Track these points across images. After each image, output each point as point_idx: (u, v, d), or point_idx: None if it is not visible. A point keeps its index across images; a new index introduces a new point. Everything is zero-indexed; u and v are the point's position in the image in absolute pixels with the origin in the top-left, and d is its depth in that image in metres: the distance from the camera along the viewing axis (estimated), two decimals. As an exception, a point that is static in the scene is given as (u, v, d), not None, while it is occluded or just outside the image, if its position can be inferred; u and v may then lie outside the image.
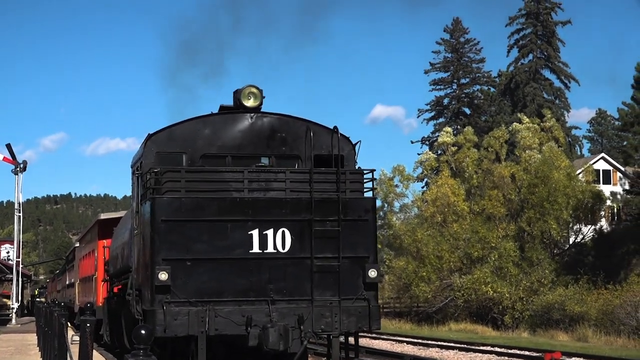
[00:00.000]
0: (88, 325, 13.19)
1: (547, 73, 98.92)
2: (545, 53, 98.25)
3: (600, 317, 43.26)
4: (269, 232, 16.79)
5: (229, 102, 18.44)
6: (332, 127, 18.02)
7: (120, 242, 21.95)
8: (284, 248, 16.84)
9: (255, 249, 16.74)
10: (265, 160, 17.84)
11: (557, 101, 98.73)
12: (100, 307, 28.09)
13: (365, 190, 17.70)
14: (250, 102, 17.95)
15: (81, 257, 38.33)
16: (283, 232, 16.83)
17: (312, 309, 16.68)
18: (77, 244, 40.94)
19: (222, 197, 16.76)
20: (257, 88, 18.02)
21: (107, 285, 26.82)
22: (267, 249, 16.78)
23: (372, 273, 17.04)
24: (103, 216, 30.20)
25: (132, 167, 19.32)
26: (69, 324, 40.95)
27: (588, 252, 60.10)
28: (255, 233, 16.74)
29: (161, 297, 16.31)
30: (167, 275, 16.27)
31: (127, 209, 29.10)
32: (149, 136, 17.60)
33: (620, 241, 59.55)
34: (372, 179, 17.94)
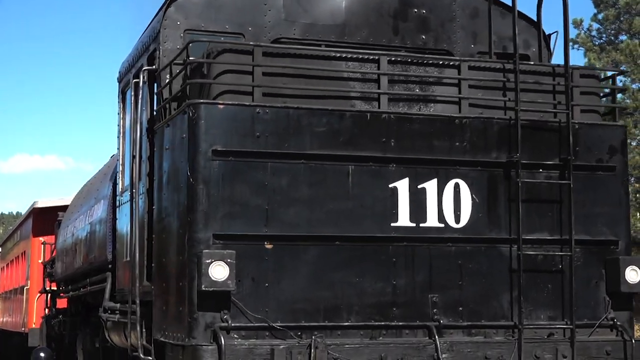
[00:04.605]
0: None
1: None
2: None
3: None
4: (430, 186, 7.36)
5: None
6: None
7: (83, 225, 12.05)
8: (458, 220, 7.41)
9: (403, 220, 7.29)
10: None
11: None
12: (35, 330, 17.87)
13: (601, 110, 8.35)
14: (365, -53, 8.52)
15: (3, 267, 27.71)
16: (457, 187, 7.41)
17: (519, 346, 7.23)
18: (-3, 249, 30.20)
19: (336, 109, 7.21)
20: None
21: (48, 298, 16.74)
22: (425, 221, 7.33)
23: (632, 274, 7.67)
24: (42, 203, 19.91)
25: (123, 74, 9.60)
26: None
27: None
28: (402, 187, 7.29)
29: (213, 318, 6.69)
30: (226, 269, 6.65)
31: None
32: None
33: None
34: (615, 90, 8.57)
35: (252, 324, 6.86)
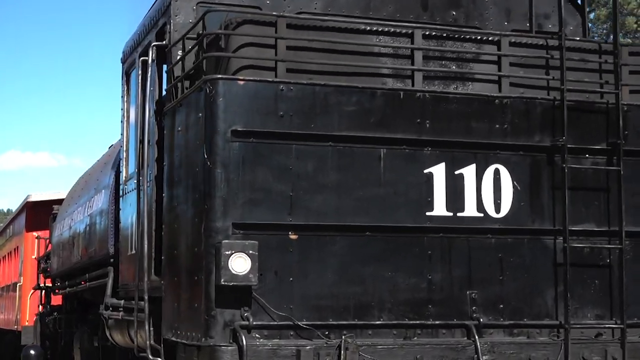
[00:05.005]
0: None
1: None
2: None
3: None
4: (468, 172, 6.72)
5: None
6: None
7: (81, 217, 11.35)
8: (498, 209, 6.74)
9: (439, 208, 6.63)
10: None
11: None
12: (28, 328, 17.14)
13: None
14: None
15: (-6, 262, 26.88)
16: (497, 173, 6.76)
17: (565, 347, 6.57)
18: (-12, 245, 29.33)
19: (367, 87, 6.53)
20: None
21: (42, 294, 16.02)
22: (462, 211, 6.67)
23: None
24: (35, 197, 19.17)
25: (127, 54, 8.90)
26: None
27: None
28: (438, 172, 6.64)
29: (232, 316, 6.02)
30: (248, 262, 5.95)
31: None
32: None
33: None
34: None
35: (276, 322, 6.18)
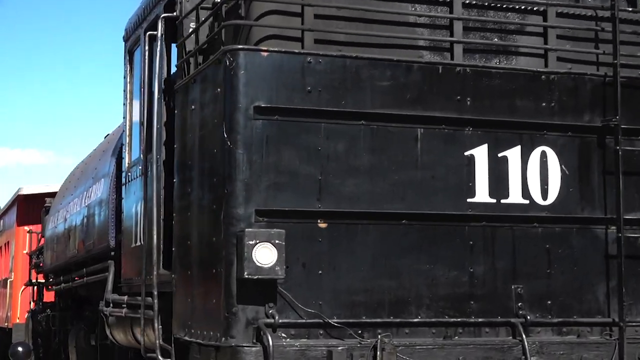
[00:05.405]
0: None
1: None
2: None
3: None
4: (512, 155, 6.08)
5: None
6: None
7: (78, 209, 10.64)
8: (545, 196, 6.11)
9: (481, 195, 6.00)
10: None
11: None
12: (20, 325, 16.44)
13: None
14: None
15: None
16: (543, 156, 6.13)
17: (620, 347, 5.94)
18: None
19: (402, 60, 5.87)
20: None
21: (34, 291, 15.32)
22: (507, 197, 6.04)
23: None
24: (27, 190, 18.40)
25: (130, 31, 8.22)
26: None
27: None
28: (480, 155, 6.01)
29: (256, 313, 5.37)
30: (274, 253, 5.29)
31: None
32: None
33: None
34: None
35: (304, 320, 5.54)
